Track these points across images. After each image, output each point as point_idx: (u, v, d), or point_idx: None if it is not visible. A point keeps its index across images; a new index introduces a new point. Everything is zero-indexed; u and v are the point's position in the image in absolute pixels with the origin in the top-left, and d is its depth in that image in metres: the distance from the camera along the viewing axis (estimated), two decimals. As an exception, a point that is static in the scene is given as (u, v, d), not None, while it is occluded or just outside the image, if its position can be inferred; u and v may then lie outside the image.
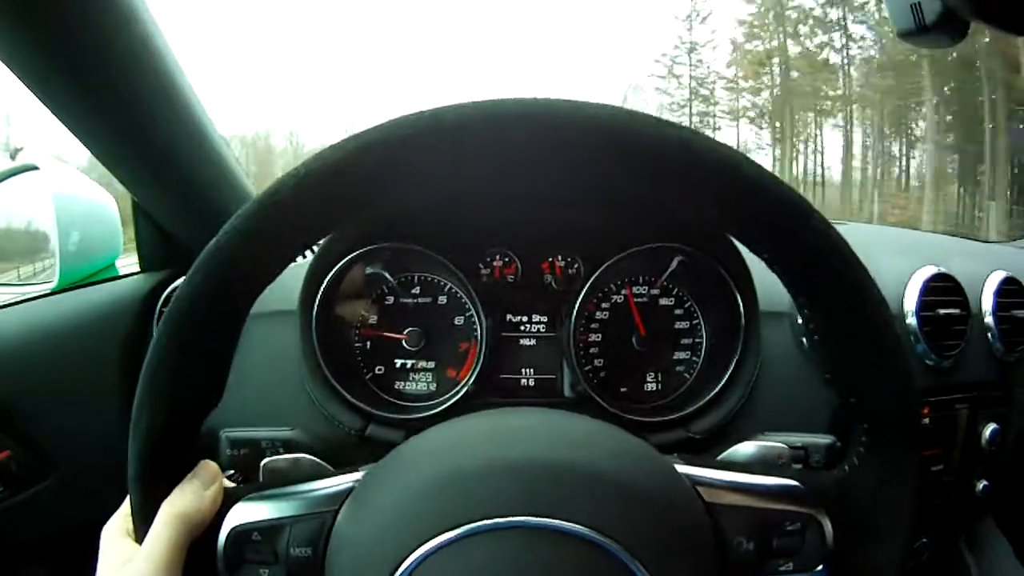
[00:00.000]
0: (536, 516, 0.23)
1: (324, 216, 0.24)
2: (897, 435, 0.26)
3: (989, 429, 0.70)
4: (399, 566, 0.23)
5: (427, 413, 0.54)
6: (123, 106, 0.48)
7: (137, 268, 0.69)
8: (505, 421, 0.29)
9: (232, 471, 0.47)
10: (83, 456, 0.61)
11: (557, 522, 0.23)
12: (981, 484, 0.72)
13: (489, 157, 0.23)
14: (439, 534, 0.23)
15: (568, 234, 0.59)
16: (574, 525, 0.23)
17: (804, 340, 0.57)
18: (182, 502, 0.26)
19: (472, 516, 0.23)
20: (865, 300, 0.24)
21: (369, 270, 0.57)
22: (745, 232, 0.25)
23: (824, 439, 0.44)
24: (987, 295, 0.71)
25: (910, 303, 0.64)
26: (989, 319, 0.70)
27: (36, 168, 0.63)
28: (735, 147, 0.24)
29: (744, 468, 0.29)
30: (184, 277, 0.24)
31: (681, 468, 0.28)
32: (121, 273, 0.69)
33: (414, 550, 0.23)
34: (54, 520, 0.62)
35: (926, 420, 0.66)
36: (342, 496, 0.27)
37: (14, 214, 0.71)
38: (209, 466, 0.28)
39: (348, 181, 0.23)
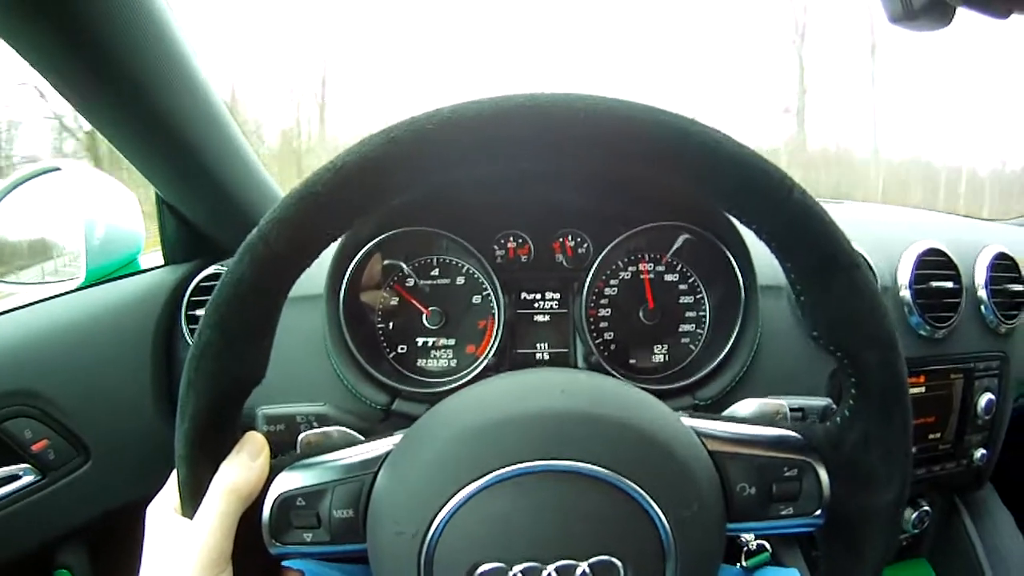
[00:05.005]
0: (559, 460, 0.25)
1: (358, 204, 0.26)
2: (882, 386, 0.28)
3: (984, 399, 0.73)
4: (435, 517, 0.25)
5: (449, 387, 0.57)
6: (152, 109, 0.50)
7: (157, 263, 0.71)
8: (528, 379, 0.31)
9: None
10: (119, 442, 0.63)
11: (579, 464, 0.25)
12: (979, 453, 0.75)
13: (502, 147, 0.26)
14: (470, 483, 0.25)
15: (577, 215, 0.62)
16: (595, 467, 0.25)
17: (799, 315, 0.60)
18: (232, 475, 0.27)
19: (499, 463, 0.25)
20: (844, 261, 0.26)
21: (387, 261, 0.61)
22: (736, 206, 0.27)
23: (820, 401, 0.46)
24: (980, 269, 0.74)
25: (904, 276, 0.67)
26: (982, 292, 0.73)
27: (58, 169, 0.65)
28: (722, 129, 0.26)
29: (744, 422, 0.32)
30: (230, 264, 0.25)
31: (687, 421, 0.30)
32: (143, 267, 0.71)
33: (447, 500, 0.25)
34: (93, 504, 0.64)
35: (922, 389, 0.69)
36: (380, 459, 0.29)
37: (39, 215, 0.72)
38: (255, 438, 0.29)
39: (379, 171, 0.25)
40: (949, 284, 0.69)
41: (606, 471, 0.26)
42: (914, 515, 0.81)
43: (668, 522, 0.26)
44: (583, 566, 0.25)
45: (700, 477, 0.28)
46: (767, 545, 0.62)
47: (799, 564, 0.72)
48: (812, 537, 0.81)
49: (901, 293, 0.67)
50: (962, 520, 0.87)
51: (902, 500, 0.29)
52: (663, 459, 0.27)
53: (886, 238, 0.70)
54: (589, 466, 0.26)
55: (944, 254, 0.70)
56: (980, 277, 0.73)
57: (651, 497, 0.26)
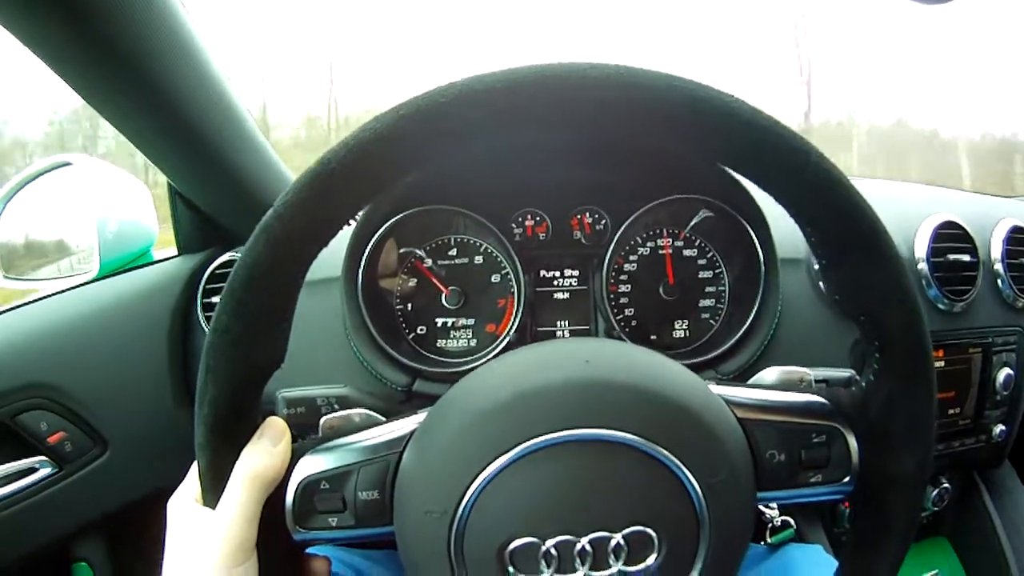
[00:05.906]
0: (588, 428, 0.25)
1: (373, 180, 0.26)
2: (906, 349, 0.28)
3: (1003, 374, 0.73)
4: (464, 494, 0.25)
5: (470, 367, 0.57)
6: (163, 99, 0.50)
7: (170, 254, 0.71)
8: (551, 349, 0.31)
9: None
10: (137, 433, 0.64)
11: (608, 432, 0.25)
12: (998, 428, 0.75)
13: (515, 119, 0.25)
14: (497, 457, 0.25)
15: (593, 191, 0.62)
16: (624, 434, 0.25)
17: (821, 284, 0.60)
18: (254, 461, 0.27)
19: (527, 436, 0.25)
20: (865, 225, 0.26)
21: (405, 243, 0.61)
22: (753, 171, 0.27)
23: (843, 372, 0.46)
24: (996, 243, 0.73)
25: (920, 249, 0.67)
26: (999, 266, 0.72)
27: (70, 164, 0.65)
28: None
29: (770, 388, 0.31)
30: (245, 247, 0.25)
31: (714, 388, 0.30)
32: (156, 258, 0.71)
33: (476, 477, 0.25)
34: (111, 496, 0.64)
35: (941, 363, 0.69)
36: (405, 438, 0.29)
37: (52, 210, 0.72)
38: (276, 422, 0.29)
39: (392, 147, 0.25)
40: (966, 257, 0.69)
41: (635, 438, 0.25)
42: (934, 492, 0.80)
43: (700, 489, 0.25)
44: (617, 537, 0.25)
45: (729, 443, 0.27)
46: (791, 521, 0.62)
47: (822, 540, 0.72)
48: (835, 513, 0.81)
49: (919, 266, 0.67)
50: (981, 497, 0.87)
51: (927, 466, 0.28)
52: (692, 425, 0.26)
53: (902, 212, 0.70)
54: (618, 433, 0.25)
55: (960, 227, 0.70)
56: (996, 251, 0.73)
57: (682, 463, 0.25)
